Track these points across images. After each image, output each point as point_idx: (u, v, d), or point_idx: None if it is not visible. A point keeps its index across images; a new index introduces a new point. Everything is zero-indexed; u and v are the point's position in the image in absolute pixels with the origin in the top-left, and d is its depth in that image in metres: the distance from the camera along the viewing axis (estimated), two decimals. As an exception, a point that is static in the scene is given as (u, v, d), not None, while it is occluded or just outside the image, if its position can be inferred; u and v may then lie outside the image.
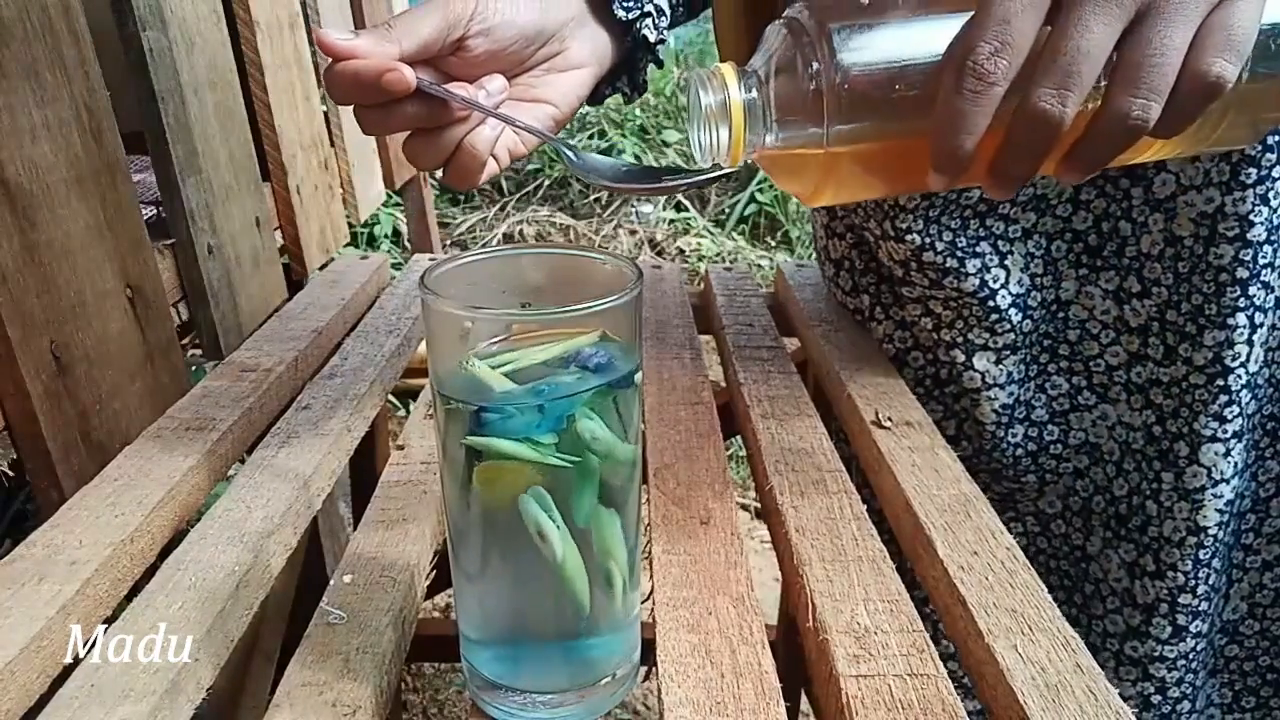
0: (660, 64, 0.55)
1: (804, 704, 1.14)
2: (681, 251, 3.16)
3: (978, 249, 0.59)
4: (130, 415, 0.75)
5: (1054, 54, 0.33)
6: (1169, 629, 0.62)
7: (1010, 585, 0.44)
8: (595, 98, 0.53)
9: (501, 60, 0.46)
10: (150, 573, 0.46)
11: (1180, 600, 0.62)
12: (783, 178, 0.42)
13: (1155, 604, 0.62)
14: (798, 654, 0.99)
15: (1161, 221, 0.57)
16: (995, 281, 0.60)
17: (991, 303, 0.60)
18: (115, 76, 0.79)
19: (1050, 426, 0.63)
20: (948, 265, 0.59)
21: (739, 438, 0.66)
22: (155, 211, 0.95)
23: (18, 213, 0.64)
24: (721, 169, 0.41)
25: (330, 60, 0.41)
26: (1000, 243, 0.59)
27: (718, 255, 3.12)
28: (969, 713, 0.37)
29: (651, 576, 0.45)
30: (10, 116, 0.64)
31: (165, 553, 0.48)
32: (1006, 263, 0.60)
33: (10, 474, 0.66)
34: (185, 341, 0.95)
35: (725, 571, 0.45)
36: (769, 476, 0.54)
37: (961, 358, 0.63)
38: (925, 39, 0.36)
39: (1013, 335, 0.61)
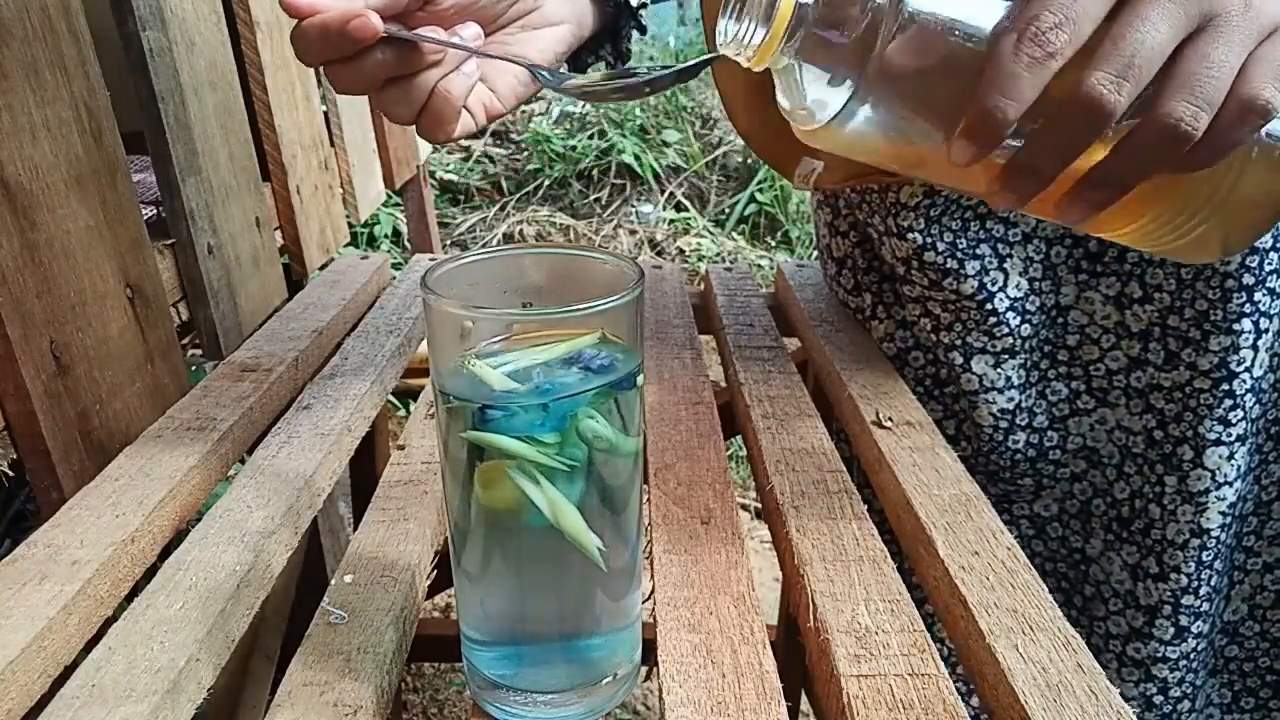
0: (644, 30, 0.54)
1: (804, 704, 1.14)
2: (681, 251, 3.16)
3: (977, 251, 0.59)
4: (130, 415, 0.75)
5: (1116, 41, 0.32)
6: (1171, 630, 0.62)
7: (1011, 585, 0.44)
8: (578, 64, 0.53)
9: (472, 14, 0.45)
10: (151, 573, 0.46)
11: (1183, 602, 0.62)
12: (796, 124, 0.40)
13: (1158, 606, 0.62)
14: (798, 654, 0.99)
15: None
16: (994, 285, 0.60)
17: (989, 305, 0.60)
18: (115, 76, 0.79)
19: (1050, 432, 0.63)
20: (948, 266, 0.59)
21: (739, 438, 0.66)
22: (155, 211, 0.95)
23: (18, 213, 0.64)
24: (709, 58, 0.39)
25: (296, 21, 0.40)
26: (1000, 246, 0.59)
27: (718, 255, 3.12)
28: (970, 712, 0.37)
29: (652, 576, 0.45)
30: (10, 116, 0.64)
31: (166, 553, 0.48)
32: (1005, 266, 0.60)
33: (10, 474, 0.66)
34: (185, 341, 0.95)
35: (726, 571, 0.45)
36: (769, 476, 0.54)
37: (960, 360, 0.63)
38: None
39: (1011, 340, 0.61)
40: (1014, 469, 0.64)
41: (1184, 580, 0.61)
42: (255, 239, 1.10)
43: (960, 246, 0.59)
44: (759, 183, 3.30)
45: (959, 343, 0.62)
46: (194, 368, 1.09)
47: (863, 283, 0.70)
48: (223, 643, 0.42)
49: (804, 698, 1.12)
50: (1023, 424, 0.63)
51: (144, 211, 0.84)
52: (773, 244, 3.23)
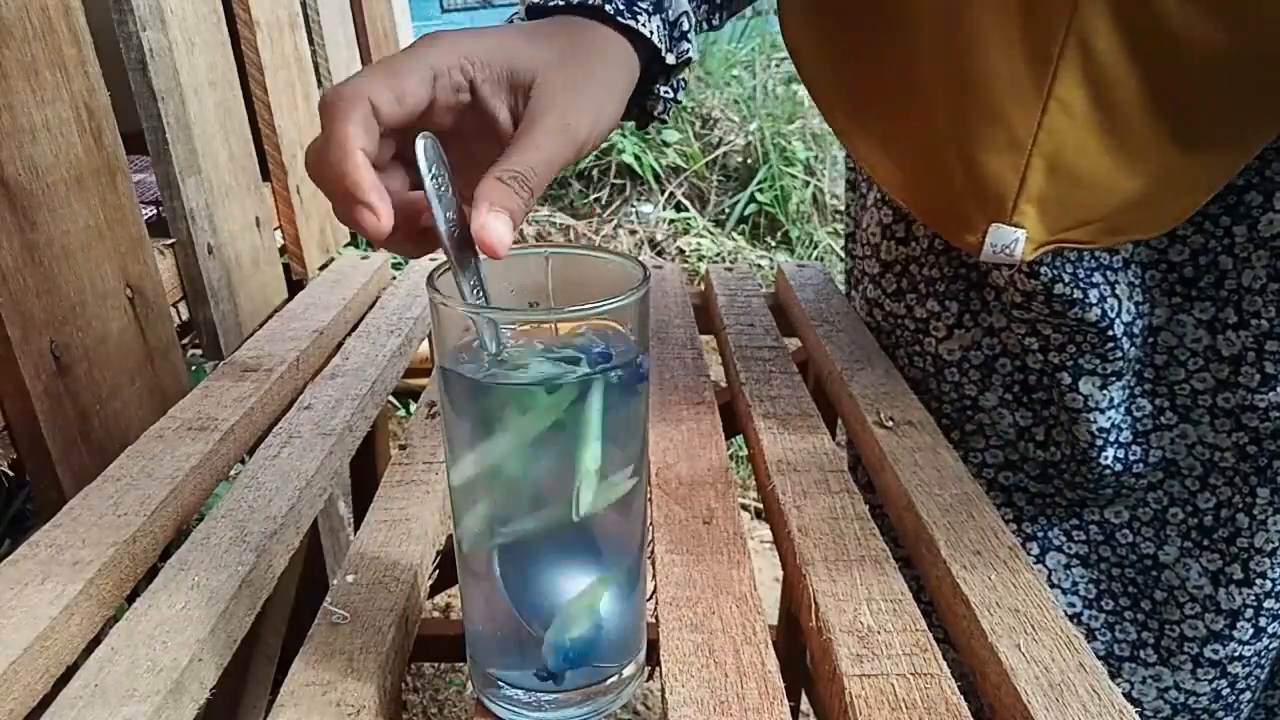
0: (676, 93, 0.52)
1: (804, 704, 1.14)
2: (681, 251, 3.16)
3: (1093, 279, 0.59)
4: (130, 415, 0.75)
5: None
6: (1251, 631, 0.64)
7: (1013, 585, 0.44)
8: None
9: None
10: (153, 573, 0.46)
11: (1265, 605, 0.64)
12: None
13: (1241, 609, 0.64)
14: (798, 654, 0.99)
15: (1266, 258, 0.57)
16: (1112, 311, 0.60)
17: (1110, 331, 0.60)
18: (115, 76, 0.80)
19: (1134, 447, 0.64)
20: (1074, 296, 0.59)
21: (740, 437, 0.66)
22: (155, 211, 0.95)
23: (18, 213, 0.64)
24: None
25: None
26: (1108, 273, 0.59)
27: (718, 255, 3.12)
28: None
29: (654, 576, 0.45)
30: (10, 116, 0.64)
31: (168, 553, 0.48)
32: (1118, 292, 0.60)
33: (10, 474, 0.66)
34: (185, 341, 0.95)
35: (728, 571, 0.45)
36: (770, 476, 0.54)
37: (1068, 380, 0.62)
38: None
39: (1121, 362, 0.61)
40: (1099, 482, 0.64)
41: (1269, 585, 0.63)
42: (255, 239, 1.10)
43: (1080, 276, 0.59)
44: (759, 183, 3.30)
45: (1070, 364, 0.62)
46: (194, 368, 1.09)
47: (946, 291, 0.67)
48: (225, 643, 0.42)
49: (804, 697, 1.12)
50: (1113, 441, 0.63)
51: (144, 211, 0.84)
52: (773, 244, 3.23)
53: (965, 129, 0.53)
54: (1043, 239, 0.53)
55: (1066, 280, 0.58)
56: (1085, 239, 0.54)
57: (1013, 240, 0.53)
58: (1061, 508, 0.67)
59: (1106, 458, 0.63)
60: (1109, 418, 0.63)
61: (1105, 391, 0.62)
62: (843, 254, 3.10)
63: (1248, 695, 0.67)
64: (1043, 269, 0.58)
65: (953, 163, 0.54)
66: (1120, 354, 0.61)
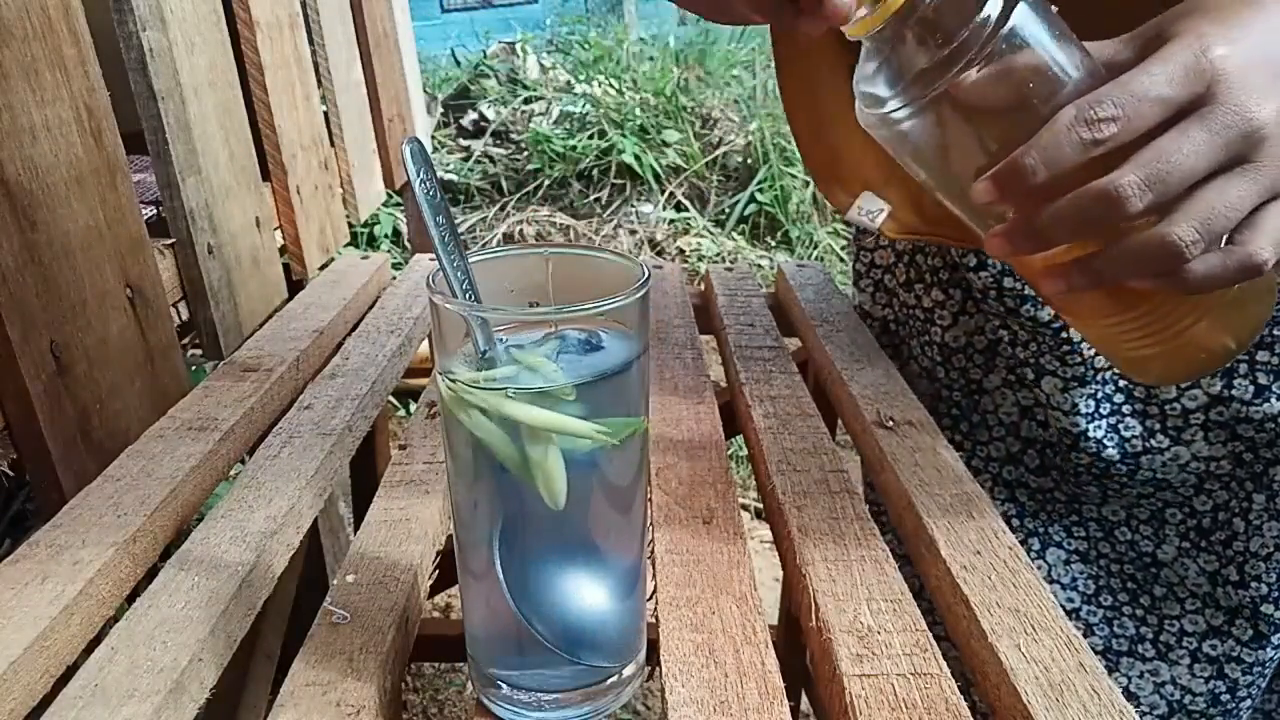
0: None
1: (804, 704, 1.14)
2: (681, 251, 3.16)
3: None
4: (130, 415, 0.75)
5: (1157, 152, 0.35)
6: (1250, 632, 0.64)
7: (1013, 585, 0.44)
8: None
9: None
10: (153, 573, 0.46)
11: (1262, 610, 0.63)
12: (862, 105, 0.40)
13: (1238, 608, 0.64)
14: (797, 654, 0.99)
15: None
16: None
17: (1065, 333, 0.60)
18: (115, 76, 0.80)
19: (1120, 465, 0.64)
20: (1026, 293, 0.60)
21: (740, 437, 0.66)
22: (155, 211, 0.95)
23: (18, 213, 0.64)
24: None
25: None
26: None
27: (718, 255, 3.12)
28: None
29: (654, 576, 0.45)
30: (10, 116, 0.64)
31: (168, 553, 0.48)
32: None
33: (10, 474, 0.66)
34: (185, 341, 0.95)
35: (728, 571, 0.45)
36: (771, 476, 0.54)
37: (1031, 377, 0.63)
38: (1078, 62, 0.37)
39: (1083, 368, 0.61)
40: (1077, 478, 0.64)
41: (1264, 589, 0.63)
42: (255, 239, 1.10)
43: None
44: (759, 183, 3.30)
45: (1032, 361, 0.63)
46: (194, 368, 1.09)
47: (950, 279, 0.68)
48: (225, 642, 0.42)
49: (804, 697, 1.12)
50: (1092, 453, 0.63)
51: (144, 211, 0.84)
52: (773, 244, 3.23)
53: None
54: (910, 224, 0.59)
55: (1018, 275, 0.59)
56: (953, 236, 0.58)
57: (879, 210, 0.59)
58: (1061, 504, 0.67)
59: (1080, 459, 0.63)
60: (1074, 422, 0.63)
61: (1066, 395, 0.62)
62: (843, 254, 3.11)
63: (1248, 703, 0.67)
64: (991, 260, 0.59)
65: (849, 132, 0.59)
66: (1080, 359, 0.61)
